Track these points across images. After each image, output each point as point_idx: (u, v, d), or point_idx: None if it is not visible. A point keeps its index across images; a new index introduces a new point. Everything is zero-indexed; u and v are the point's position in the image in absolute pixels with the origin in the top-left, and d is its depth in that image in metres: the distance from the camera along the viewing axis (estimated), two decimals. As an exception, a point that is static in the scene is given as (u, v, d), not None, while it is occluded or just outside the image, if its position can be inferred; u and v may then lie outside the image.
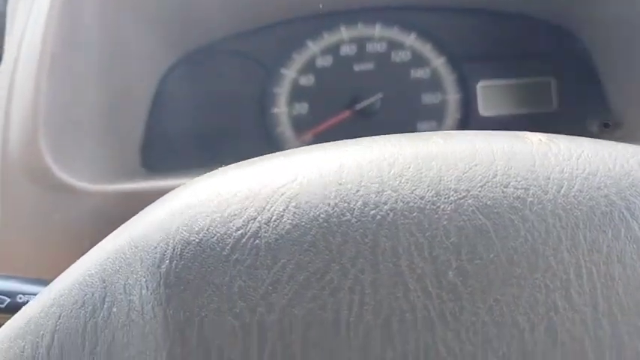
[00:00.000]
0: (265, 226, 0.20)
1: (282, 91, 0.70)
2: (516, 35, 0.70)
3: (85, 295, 0.21)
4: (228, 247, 0.20)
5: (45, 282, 0.37)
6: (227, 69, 0.68)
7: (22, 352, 0.21)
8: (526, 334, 0.18)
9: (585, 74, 0.69)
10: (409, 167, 0.21)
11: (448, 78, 0.71)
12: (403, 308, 0.19)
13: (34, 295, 0.37)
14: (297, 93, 0.70)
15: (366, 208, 0.20)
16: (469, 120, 0.71)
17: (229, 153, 0.69)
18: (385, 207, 0.20)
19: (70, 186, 0.44)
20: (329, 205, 0.20)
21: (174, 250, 0.20)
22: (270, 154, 0.26)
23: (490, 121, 0.71)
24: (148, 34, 0.58)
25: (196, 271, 0.20)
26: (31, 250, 0.45)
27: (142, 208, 0.47)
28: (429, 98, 0.71)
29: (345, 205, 0.20)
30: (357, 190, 0.21)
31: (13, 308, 0.36)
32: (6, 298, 0.35)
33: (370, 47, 0.70)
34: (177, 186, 0.47)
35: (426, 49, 0.70)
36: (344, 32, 0.70)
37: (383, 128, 0.70)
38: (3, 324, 0.35)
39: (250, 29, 0.68)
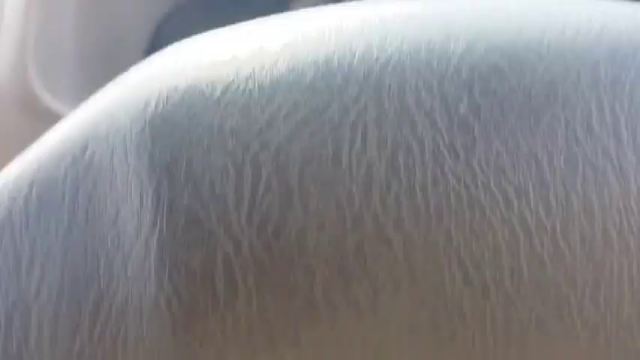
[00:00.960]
0: (260, 69, 0.19)
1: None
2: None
3: (64, 146, 0.20)
4: (219, 90, 0.19)
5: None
6: (227, 13, 0.67)
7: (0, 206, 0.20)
8: (544, 165, 0.17)
9: None
10: (417, 12, 0.20)
11: None
12: (410, 143, 0.18)
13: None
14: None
15: (370, 50, 0.19)
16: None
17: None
18: (390, 49, 0.19)
19: (60, 114, 0.42)
20: (328, 49, 0.19)
21: (160, 94, 0.19)
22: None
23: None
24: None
25: (184, 113, 0.19)
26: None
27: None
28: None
29: (346, 48, 0.19)
30: (359, 35, 0.19)
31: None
32: None
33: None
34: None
35: None
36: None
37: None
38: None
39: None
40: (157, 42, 0.61)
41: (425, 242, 0.17)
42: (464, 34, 0.19)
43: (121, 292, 0.18)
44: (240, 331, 0.16)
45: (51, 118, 0.42)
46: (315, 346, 0.16)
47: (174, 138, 0.18)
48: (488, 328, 0.16)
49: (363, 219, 0.17)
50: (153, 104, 0.19)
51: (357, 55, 0.19)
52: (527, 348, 0.16)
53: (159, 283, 0.17)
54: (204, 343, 0.16)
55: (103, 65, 0.51)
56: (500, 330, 0.16)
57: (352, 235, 0.17)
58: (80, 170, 0.19)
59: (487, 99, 0.18)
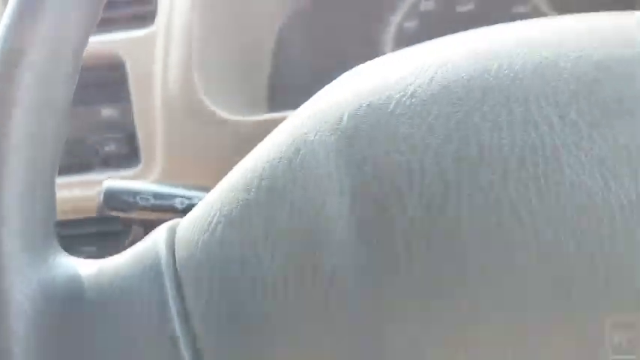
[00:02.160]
0: (420, 88, 0.26)
1: (389, 36, 0.74)
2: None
3: (282, 151, 0.28)
4: (392, 105, 0.26)
5: (208, 189, 0.45)
6: (339, 18, 0.73)
7: (237, 196, 0.28)
8: (634, 153, 0.22)
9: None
10: (532, 35, 0.26)
11: (551, 15, 0.72)
12: (534, 141, 0.24)
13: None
14: (403, 37, 0.74)
15: (501, 70, 0.25)
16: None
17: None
18: (516, 67, 0.25)
19: (223, 118, 0.51)
20: (470, 69, 0.25)
21: (349, 111, 0.26)
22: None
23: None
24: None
25: (368, 124, 0.26)
26: (192, 175, 0.53)
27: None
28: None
29: (483, 68, 0.25)
30: (492, 57, 0.26)
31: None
32: (186, 200, 0.43)
33: (472, -12, 0.73)
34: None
35: (530, -12, 0.72)
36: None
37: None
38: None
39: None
40: (281, 42, 0.69)
41: (548, 219, 0.23)
42: (571, 51, 0.25)
43: (328, 262, 0.25)
44: (417, 285, 0.23)
45: (215, 122, 0.51)
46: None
47: (362, 143, 0.26)
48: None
49: (501, 201, 0.23)
50: (346, 118, 0.26)
51: (492, 73, 0.25)
52: None
53: (356, 255, 0.24)
54: (386, 301, 0.23)
55: (244, 69, 0.60)
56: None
57: (493, 215, 0.23)
58: (296, 167, 0.27)
59: (590, 105, 0.23)
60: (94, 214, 0.58)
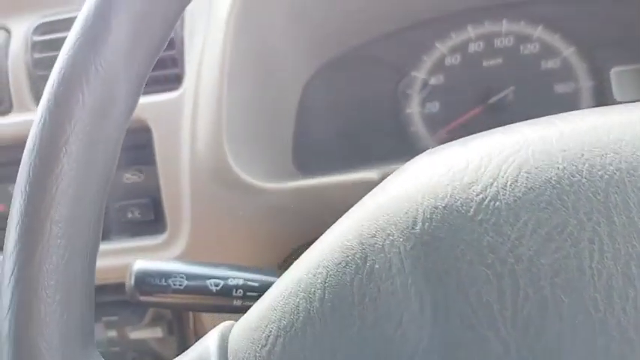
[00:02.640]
0: (503, 190, 0.23)
1: (414, 92, 0.73)
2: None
3: (347, 256, 0.25)
4: (472, 209, 0.23)
5: (241, 267, 0.43)
6: (363, 74, 0.72)
7: (297, 306, 0.25)
8: None
9: None
10: (625, 133, 0.24)
11: (580, 66, 0.71)
12: (639, 253, 0.21)
13: (243, 279, 0.41)
14: (428, 93, 0.73)
15: (594, 169, 0.23)
16: (604, 106, 0.70)
17: (369, 151, 0.74)
18: (611, 167, 0.23)
19: (251, 185, 0.49)
20: (558, 168, 0.23)
21: (424, 214, 0.24)
22: (486, 132, 0.29)
23: (626, 106, 0.70)
24: (293, 46, 0.64)
25: (447, 230, 0.23)
26: (220, 244, 0.51)
27: (308, 203, 0.52)
28: (561, 88, 0.71)
29: (574, 167, 0.23)
30: (582, 155, 0.23)
31: (226, 291, 0.41)
32: (220, 281, 0.40)
33: (498, 42, 0.72)
34: (340, 182, 0.52)
35: (555, 40, 0.71)
36: (471, 31, 0.72)
37: (516, 120, 0.71)
38: (216, 305, 0.40)
39: (382, 35, 0.71)
40: (305, 99, 0.68)
41: None
42: None
43: None
44: None
45: (243, 189, 0.49)
46: None
47: (442, 252, 0.23)
48: None
49: (607, 323, 0.20)
50: (420, 222, 0.24)
51: (584, 172, 0.23)
52: None
53: None
54: None
55: (269, 131, 0.58)
56: None
57: (600, 337, 0.20)
58: (364, 278, 0.24)
59: None
60: (115, 282, 0.55)
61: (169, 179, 0.53)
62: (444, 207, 0.24)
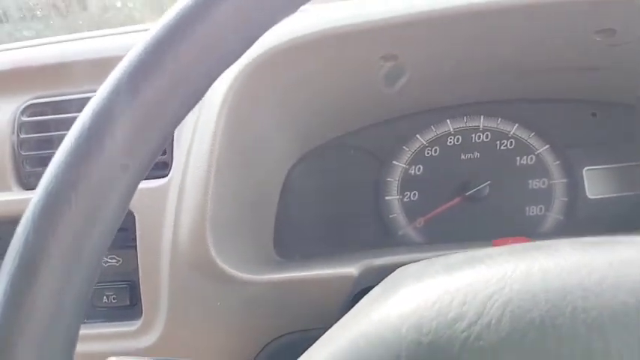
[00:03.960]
0: (487, 329, 0.24)
1: (394, 181, 0.75)
2: (618, 121, 0.73)
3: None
4: (456, 348, 0.24)
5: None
6: (345, 162, 0.74)
7: None
8: None
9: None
10: (607, 274, 0.25)
11: (553, 164, 0.74)
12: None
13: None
14: (408, 182, 0.74)
15: (576, 312, 0.24)
16: (577, 203, 0.73)
17: (349, 237, 0.74)
18: (593, 312, 0.24)
19: (232, 276, 0.49)
20: (541, 310, 0.24)
21: (408, 349, 0.24)
22: (465, 254, 0.30)
23: (598, 203, 0.73)
24: (279, 135, 0.65)
25: (432, 368, 0.24)
26: (197, 334, 0.50)
27: (287, 295, 0.52)
28: (535, 183, 0.74)
29: (556, 310, 0.24)
30: (565, 297, 0.24)
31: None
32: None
33: (475, 138, 0.75)
34: (319, 277, 0.52)
35: (530, 138, 0.74)
36: (450, 125, 0.75)
37: (491, 213, 0.73)
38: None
39: (365, 125, 0.74)
40: (289, 185, 0.69)
41: None
42: None
43: None
44: None
45: (224, 280, 0.49)
46: None
47: (428, 391, 0.23)
48: None
49: None
50: (403, 358, 0.24)
51: (567, 316, 0.23)
52: None
53: None
54: None
55: (252, 220, 0.58)
56: None
57: None
58: None
59: None
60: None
61: (148, 265, 0.53)
62: (428, 344, 0.24)
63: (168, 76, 0.27)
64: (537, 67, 0.66)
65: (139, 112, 0.27)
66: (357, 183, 0.74)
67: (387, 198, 0.75)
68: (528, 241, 0.55)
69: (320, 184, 0.73)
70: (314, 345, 0.29)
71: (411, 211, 0.74)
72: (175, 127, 0.30)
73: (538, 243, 0.29)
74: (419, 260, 0.40)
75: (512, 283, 0.25)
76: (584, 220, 0.72)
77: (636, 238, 0.28)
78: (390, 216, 0.75)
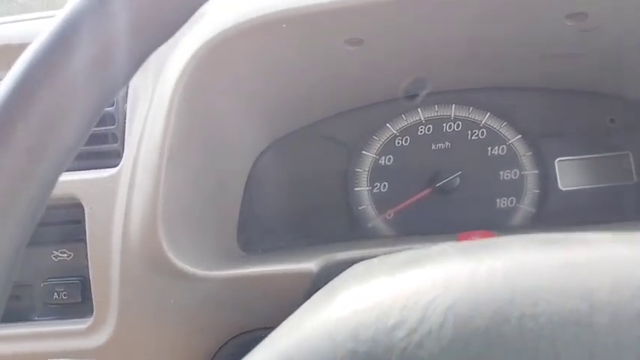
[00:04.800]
0: (427, 337, 0.22)
1: (364, 171, 0.73)
2: (592, 111, 0.72)
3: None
4: (394, 358, 0.22)
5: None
6: (313, 152, 0.72)
7: None
8: None
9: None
10: (558, 278, 0.23)
11: (525, 155, 0.72)
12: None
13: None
14: (378, 172, 0.72)
15: (524, 320, 0.22)
16: (548, 194, 0.71)
17: (316, 229, 0.72)
18: (542, 319, 0.22)
19: (186, 272, 0.47)
20: (486, 317, 0.22)
21: (342, 359, 0.22)
22: (415, 251, 0.28)
23: (570, 194, 0.71)
24: (244, 123, 0.63)
25: (367, 379, 0.22)
26: (150, 333, 0.48)
27: (244, 292, 0.50)
28: (507, 174, 0.72)
29: (503, 316, 0.22)
30: (512, 301, 0.22)
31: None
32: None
33: (447, 127, 0.73)
34: (278, 273, 0.50)
35: (502, 128, 0.72)
36: (421, 114, 0.73)
37: (462, 205, 0.72)
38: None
39: (335, 114, 0.71)
40: (254, 176, 0.67)
41: None
42: (606, 303, 0.22)
43: None
44: None
45: (178, 276, 0.47)
46: None
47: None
48: None
49: None
50: None
51: (513, 323, 0.22)
52: None
53: None
54: None
55: (212, 217, 0.56)
56: None
57: None
58: None
59: None
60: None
61: (99, 260, 0.50)
62: (365, 353, 0.22)
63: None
64: (509, 54, 0.64)
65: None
66: (325, 173, 0.72)
67: (356, 189, 0.73)
68: (493, 235, 0.53)
69: (287, 175, 0.71)
70: (251, 353, 0.27)
71: (381, 202, 0.72)
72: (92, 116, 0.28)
73: (489, 241, 0.27)
74: (383, 254, 0.38)
75: (456, 286, 0.23)
76: (555, 212, 0.71)
77: (591, 236, 0.26)
78: (360, 208, 0.73)
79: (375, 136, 0.73)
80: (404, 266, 0.26)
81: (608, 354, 0.20)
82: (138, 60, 0.28)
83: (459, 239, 0.53)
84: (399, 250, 0.34)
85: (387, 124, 0.73)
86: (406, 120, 0.73)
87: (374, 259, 0.32)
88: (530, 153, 0.72)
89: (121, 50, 0.27)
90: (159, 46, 0.28)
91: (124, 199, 0.49)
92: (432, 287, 0.24)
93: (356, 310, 0.24)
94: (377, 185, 0.73)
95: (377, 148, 0.73)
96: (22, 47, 0.25)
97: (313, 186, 0.72)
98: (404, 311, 0.23)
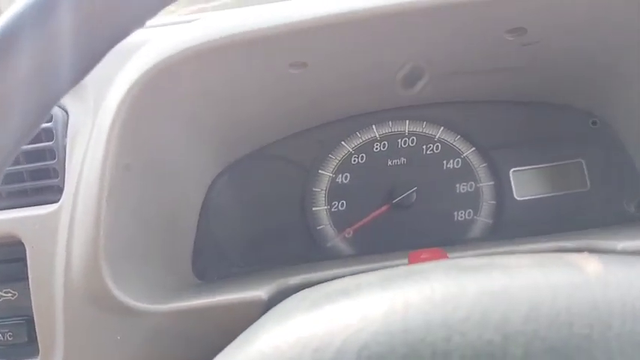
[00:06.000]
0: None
1: (321, 191, 0.72)
2: (543, 121, 0.72)
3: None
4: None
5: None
6: (269, 173, 0.71)
7: None
8: None
9: (616, 154, 0.70)
10: (474, 309, 0.22)
11: (480, 167, 0.72)
12: None
13: None
14: (336, 191, 0.72)
15: (436, 357, 0.21)
16: (504, 205, 0.72)
17: (275, 252, 0.71)
18: (455, 355, 0.21)
19: (131, 307, 0.45)
20: (398, 355, 0.21)
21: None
22: (335, 282, 0.27)
23: (526, 204, 0.72)
24: (194, 150, 0.62)
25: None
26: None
27: (193, 325, 0.48)
28: (463, 187, 0.72)
29: (415, 355, 0.21)
30: (425, 338, 0.22)
31: None
32: None
33: (402, 143, 0.73)
34: (227, 303, 0.49)
35: (456, 141, 0.73)
36: (375, 130, 0.73)
37: (420, 219, 0.72)
38: None
39: (289, 135, 0.71)
40: (209, 201, 0.66)
41: None
42: (520, 334, 0.21)
43: None
44: None
45: (122, 312, 0.45)
46: None
47: None
48: None
49: None
50: None
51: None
52: None
53: None
54: None
55: (163, 246, 0.55)
56: None
57: None
58: None
59: None
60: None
61: (43, 299, 0.49)
62: None
63: None
64: (455, 69, 0.64)
65: None
66: (283, 194, 0.72)
67: (314, 209, 0.72)
68: (442, 253, 0.53)
69: (244, 198, 0.70)
70: None
71: (340, 221, 0.72)
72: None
73: (412, 268, 0.27)
74: (338, 277, 0.37)
75: (371, 323, 0.23)
76: (512, 222, 0.71)
77: (514, 262, 0.26)
78: (318, 227, 0.72)
79: (331, 154, 0.73)
80: (324, 301, 0.26)
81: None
82: (85, 65, 0.27)
83: (408, 259, 0.53)
84: (355, 272, 0.33)
85: (343, 142, 0.73)
86: (361, 137, 0.73)
87: (304, 291, 0.31)
88: (484, 165, 0.72)
89: (68, 52, 0.26)
90: (108, 49, 0.27)
91: (65, 235, 0.48)
92: (346, 327, 0.23)
93: (274, 353, 0.23)
94: (335, 204, 0.72)
95: (333, 166, 0.73)
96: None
97: (270, 208, 0.71)
98: (316, 354, 0.22)
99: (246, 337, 0.26)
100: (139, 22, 0.28)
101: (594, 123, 0.72)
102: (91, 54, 0.27)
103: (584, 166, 0.72)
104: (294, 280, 0.52)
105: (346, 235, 0.72)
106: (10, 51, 0.25)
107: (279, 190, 0.72)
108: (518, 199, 0.72)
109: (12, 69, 0.25)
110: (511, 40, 0.57)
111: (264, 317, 0.28)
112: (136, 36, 0.28)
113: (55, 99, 0.27)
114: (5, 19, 0.25)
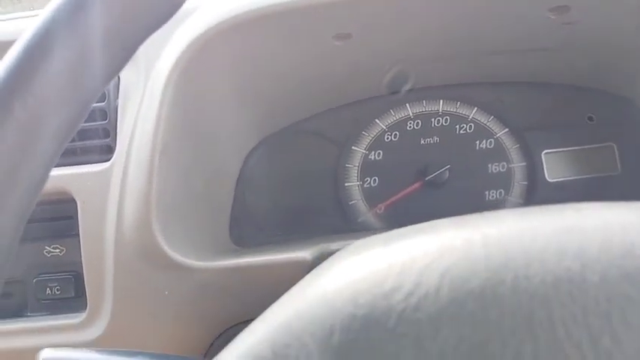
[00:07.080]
0: (424, 299, 0.22)
1: (354, 167, 0.73)
2: (576, 104, 0.73)
3: (260, 363, 0.23)
4: (392, 320, 0.22)
5: (161, 356, 0.40)
6: (304, 148, 0.72)
7: None
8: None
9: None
10: (550, 241, 0.23)
11: (512, 147, 0.73)
12: (564, 374, 0.20)
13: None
14: (368, 167, 0.73)
15: (518, 281, 0.22)
16: (536, 186, 0.72)
17: (308, 225, 0.73)
18: (536, 280, 0.22)
19: (180, 263, 0.47)
20: (481, 278, 0.23)
21: (342, 323, 0.23)
22: (409, 227, 0.29)
23: (557, 186, 0.73)
24: (236, 120, 0.63)
25: (366, 342, 0.22)
26: (145, 325, 0.48)
27: (240, 282, 0.50)
28: (495, 167, 0.73)
29: (498, 278, 0.22)
30: (506, 264, 0.23)
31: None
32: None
33: (435, 122, 0.74)
34: (273, 263, 0.50)
35: (489, 122, 0.73)
36: (409, 109, 0.74)
37: (452, 198, 0.73)
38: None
39: (324, 110, 0.72)
40: (245, 171, 0.67)
41: None
42: (596, 261, 0.22)
43: None
44: None
45: (172, 268, 0.47)
46: None
47: (360, 364, 0.22)
48: None
49: None
50: (337, 333, 0.22)
51: (508, 285, 0.22)
52: None
53: None
54: None
55: (205, 211, 0.56)
56: None
57: None
58: None
59: (626, 330, 0.21)
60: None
61: (92, 254, 0.50)
62: (363, 316, 0.23)
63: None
64: (493, 48, 0.65)
65: None
66: (316, 169, 0.73)
67: (346, 184, 0.73)
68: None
69: (278, 171, 0.71)
70: (250, 325, 0.27)
71: (371, 197, 0.73)
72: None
73: (484, 213, 0.28)
74: None
75: (451, 251, 0.24)
76: (543, 203, 0.72)
77: (583, 205, 0.27)
78: (350, 203, 0.73)
79: (365, 131, 0.74)
80: (399, 237, 0.27)
81: (600, 311, 0.21)
82: (119, 61, 0.28)
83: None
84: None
85: (376, 120, 0.74)
86: (395, 115, 0.74)
87: (364, 239, 0.32)
88: (517, 146, 0.73)
89: (102, 49, 0.27)
90: (138, 45, 0.29)
91: (117, 192, 0.50)
92: (427, 254, 0.24)
93: (353, 278, 0.25)
94: (367, 180, 0.74)
95: (366, 143, 0.74)
96: (8, 44, 0.25)
97: (304, 182, 0.73)
98: (400, 276, 0.24)
99: (325, 267, 0.27)
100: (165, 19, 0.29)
101: (627, 107, 0.73)
102: (123, 50, 0.28)
103: (616, 150, 0.73)
104: (335, 245, 0.53)
105: (378, 211, 0.73)
106: (47, 54, 0.26)
107: (313, 164, 0.73)
108: (549, 180, 0.73)
109: (50, 72, 0.26)
110: (552, 19, 0.57)
111: (335, 256, 0.29)
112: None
113: (92, 96, 0.28)
114: (39, 23, 0.26)
